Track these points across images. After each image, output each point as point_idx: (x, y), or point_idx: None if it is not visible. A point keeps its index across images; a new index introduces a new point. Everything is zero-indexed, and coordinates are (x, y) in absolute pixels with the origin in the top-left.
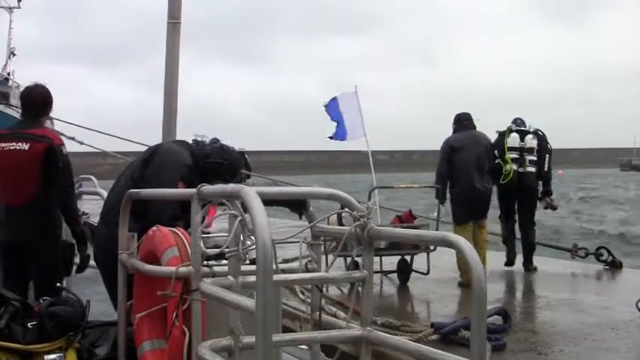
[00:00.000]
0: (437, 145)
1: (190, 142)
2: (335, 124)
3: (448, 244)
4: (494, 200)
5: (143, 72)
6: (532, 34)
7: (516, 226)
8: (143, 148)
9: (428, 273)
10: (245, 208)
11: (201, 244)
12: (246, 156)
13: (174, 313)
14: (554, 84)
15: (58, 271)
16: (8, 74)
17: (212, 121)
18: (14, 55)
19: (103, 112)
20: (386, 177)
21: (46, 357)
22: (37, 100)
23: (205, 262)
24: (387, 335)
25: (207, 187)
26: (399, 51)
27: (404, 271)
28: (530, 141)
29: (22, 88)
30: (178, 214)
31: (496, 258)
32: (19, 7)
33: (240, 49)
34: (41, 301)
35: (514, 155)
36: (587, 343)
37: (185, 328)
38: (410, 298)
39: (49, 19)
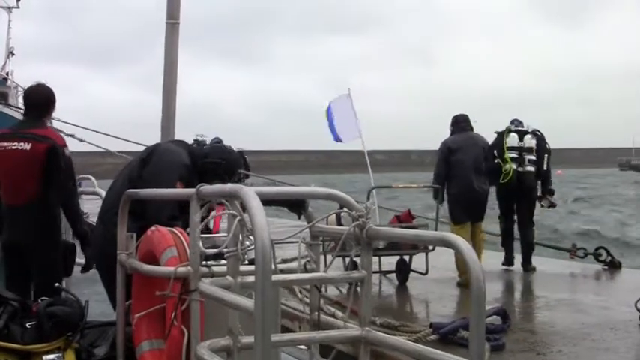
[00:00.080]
0: (435, 145)
1: (191, 141)
2: (328, 125)
3: (447, 244)
4: (492, 201)
5: (141, 72)
6: (532, 34)
7: (515, 227)
8: (141, 148)
9: (427, 273)
10: (244, 208)
11: (200, 244)
12: (245, 156)
13: (173, 313)
14: (554, 84)
15: (59, 271)
16: (7, 74)
17: (211, 121)
18: (13, 54)
19: (101, 111)
20: (384, 177)
21: (44, 357)
22: (40, 100)
23: (204, 262)
24: (386, 335)
25: (206, 187)
26: (398, 51)
27: (403, 271)
28: (529, 141)
29: (20, 88)
30: (177, 214)
31: (495, 258)
32: (18, 7)
33: (239, 49)
34: (40, 301)
35: (513, 155)
36: (586, 343)
37: (184, 328)
38: (409, 298)
39: (48, 19)
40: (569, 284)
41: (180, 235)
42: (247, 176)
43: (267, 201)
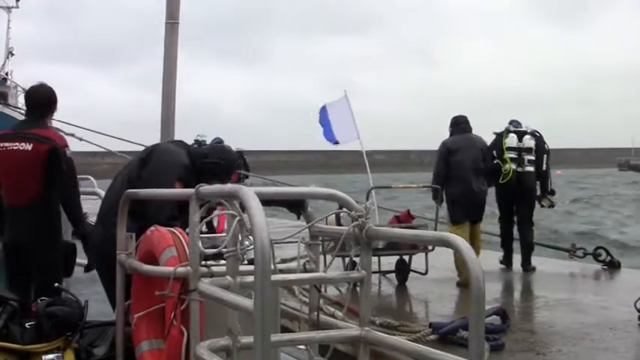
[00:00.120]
0: (435, 145)
1: (192, 142)
2: (323, 129)
3: (446, 244)
4: (491, 201)
5: (141, 72)
6: (532, 34)
7: (514, 227)
8: (141, 148)
9: (426, 273)
10: (243, 208)
11: (200, 244)
12: (245, 156)
13: (173, 313)
14: (554, 84)
15: (59, 271)
16: (6, 74)
17: (211, 121)
18: (12, 54)
19: (101, 111)
20: (384, 177)
21: (43, 357)
22: (42, 100)
23: (203, 262)
24: (385, 335)
25: (205, 187)
26: (398, 51)
27: (402, 271)
28: (528, 141)
29: (20, 88)
30: (176, 214)
31: (495, 258)
32: (18, 7)
33: (239, 49)
34: (39, 301)
35: (512, 155)
36: (585, 343)
37: (183, 328)
38: (408, 298)
39: (48, 18)
40: (568, 284)
41: (180, 235)
42: (246, 176)
43: (267, 201)
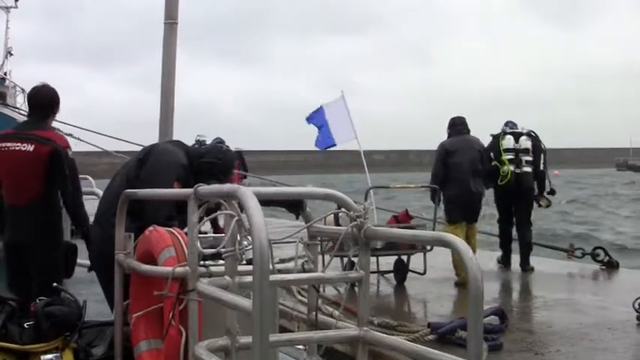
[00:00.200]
0: (434, 146)
1: (194, 142)
2: (318, 131)
3: (445, 244)
4: (489, 202)
5: (140, 72)
6: (531, 34)
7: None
8: (139, 148)
9: (424, 273)
10: (242, 208)
11: (198, 244)
12: (244, 156)
13: (171, 313)
14: (553, 84)
15: (59, 271)
16: (5, 74)
17: (210, 121)
18: (11, 54)
19: (100, 111)
20: (382, 177)
21: (42, 357)
22: (44, 101)
23: (202, 262)
24: (384, 335)
25: (204, 187)
26: (398, 51)
27: (400, 271)
28: (525, 142)
29: (19, 88)
30: (174, 213)
31: (493, 258)
32: (16, 7)
33: (238, 49)
34: (38, 301)
35: (510, 157)
36: (583, 343)
37: (182, 328)
38: (406, 298)
39: (47, 18)
40: (567, 284)
41: (178, 235)
42: (245, 176)
43: (265, 201)
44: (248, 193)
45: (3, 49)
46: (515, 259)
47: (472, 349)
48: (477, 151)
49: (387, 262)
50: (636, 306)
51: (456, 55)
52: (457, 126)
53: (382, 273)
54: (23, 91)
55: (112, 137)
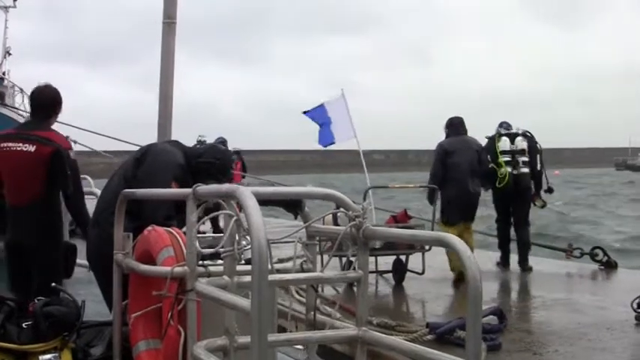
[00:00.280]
0: (432, 145)
1: (195, 142)
2: (319, 128)
3: (443, 244)
4: (487, 203)
5: (139, 72)
6: (531, 34)
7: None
8: (137, 148)
9: (423, 273)
10: (240, 208)
11: (197, 244)
12: (243, 156)
13: (170, 313)
14: (553, 84)
15: (59, 272)
16: (4, 74)
17: (209, 121)
18: (10, 54)
19: (99, 111)
20: (382, 177)
21: (40, 357)
22: (47, 101)
23: (201, 262)
24: (383, 335)
25: (202, 187)
26: (398, 51)
27: (399, 271)
28: (521, 143)
29: (17, 88)
30: (173, 213)
31: (492, 258)
32: (15, 7)
33: (238, 49)
34: (36, 301)
35: (507, 158)
36: (582, 343)
37: (180, 328)
38: (405, 298)
39: (45, 18)
40: (565, 284)
41: (177, 235)
42: (243, 176)
43: (264, 201)
44: (247, 192)
45: (1, 48)
46: (514, 259)
47: (471, 349)
48: (474, 151)
49: (386, 262)
50: (634, 306)
51: (455, 55)
52: (455, 126)
53: (381, 273)
54: (22, 91)
55: (109, 137)
